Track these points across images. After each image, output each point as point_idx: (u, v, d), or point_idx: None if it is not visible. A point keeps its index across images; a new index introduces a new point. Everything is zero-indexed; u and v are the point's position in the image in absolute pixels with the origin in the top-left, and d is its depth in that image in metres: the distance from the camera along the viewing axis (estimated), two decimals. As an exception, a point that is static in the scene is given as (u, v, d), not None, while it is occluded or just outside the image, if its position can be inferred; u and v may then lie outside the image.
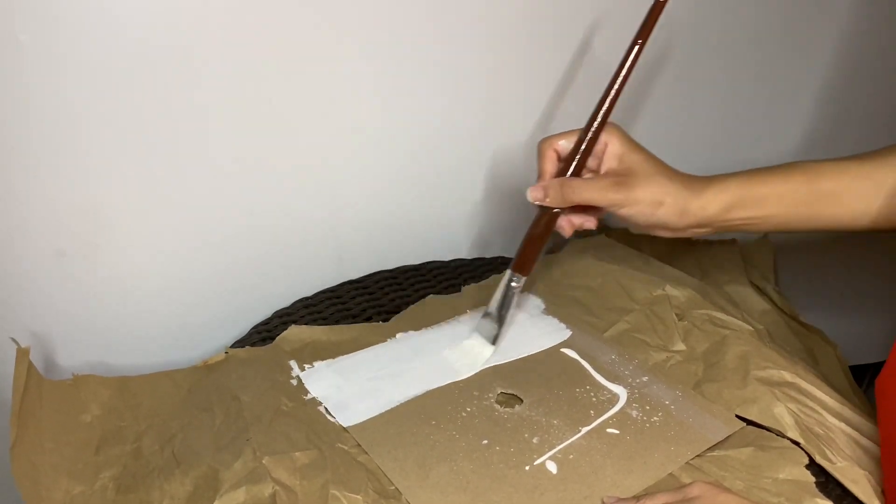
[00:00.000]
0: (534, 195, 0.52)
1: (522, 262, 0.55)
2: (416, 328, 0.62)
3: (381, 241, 0.72)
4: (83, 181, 0.56)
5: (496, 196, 0.76)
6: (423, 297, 0.67)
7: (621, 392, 0.54)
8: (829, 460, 0.47)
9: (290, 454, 0.47)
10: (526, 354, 0.59)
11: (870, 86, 0.84)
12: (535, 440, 0.49)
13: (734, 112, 0.84)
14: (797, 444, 0.49)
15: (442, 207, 0.74)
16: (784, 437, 0.49)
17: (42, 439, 0.48)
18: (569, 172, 0.53)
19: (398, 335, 0.61)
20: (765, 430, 0.50)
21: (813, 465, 0.47)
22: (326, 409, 0.53)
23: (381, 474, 0.47)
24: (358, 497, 0.44)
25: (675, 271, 0.68)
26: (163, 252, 0.62)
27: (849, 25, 0.81)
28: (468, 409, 0.52)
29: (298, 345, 0.59)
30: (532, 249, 0.55)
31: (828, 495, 0.45)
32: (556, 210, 0.53)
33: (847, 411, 0.52)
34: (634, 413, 0.52)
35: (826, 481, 0.47)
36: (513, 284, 0.56)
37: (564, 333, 0.61)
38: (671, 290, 0.64)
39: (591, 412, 0.52)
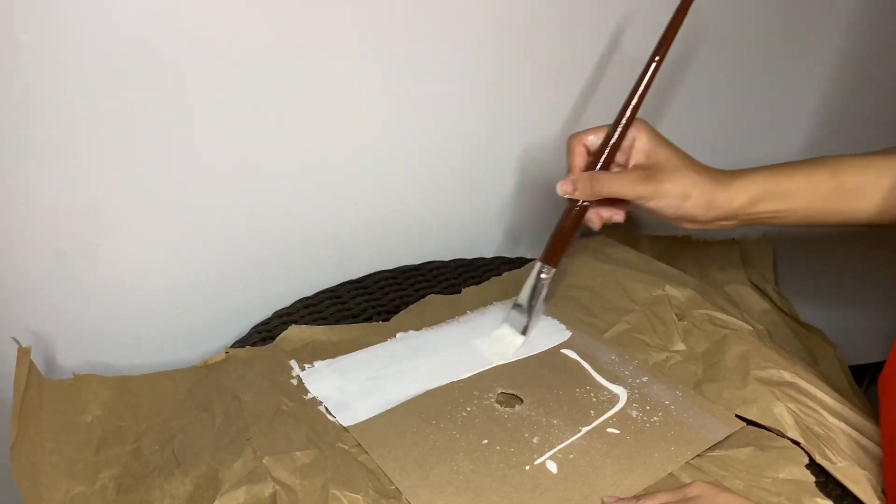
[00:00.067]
0: (563, 188, 0.54)
1: (551, 254, 0.57)
2: (417, 328, 0.62)
3: (382, 240, 0.72)
4: (83, 181, 0.56)
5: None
6: (423, 297, 0.67)
7: (621, 392, 0.54)
8: (829, 460, 0.47)
9: (291, 454, 0.47)
10: (526, 355, 0.59)
11: (873, 84, 0.84)
12: (535, 440, 0.49)
13: (736, 112, 0.84)
14: (797, 443, 0.49)
15: (444, 208, 0.74)
16: (784, 436, 0.49)
17: (42, 439, 0.48)
18: (598, 167, 0.54)
19: (398, 335, 0.61)
20: (765, 430, 0.50)
21: (813, 465, 0.47)
22: (327, 408, 0.53)
23: (382, 474, 0.47)
24: (358, 497, 0.44)
25: (675, 271, 0.69)
26: (163, 252, 0.62)
27: (852, 23, 0.80)
28: (468, 409, 0.52)
29: (298, 345, 0.59)
30: (561, 241, 0.56)
31: (828, 495, 0.45)
32: (585, 203, 0.54)
33: (847, 411, 0.52)
34: (634, 413, 0.52)
35: (826, 481, 0.47)
36: (542, 276, 0.58)
37: (564, 335, 0.61)
38: (671, 290, 0.64)
39: (592, 412, 0.52)
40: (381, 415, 0.52)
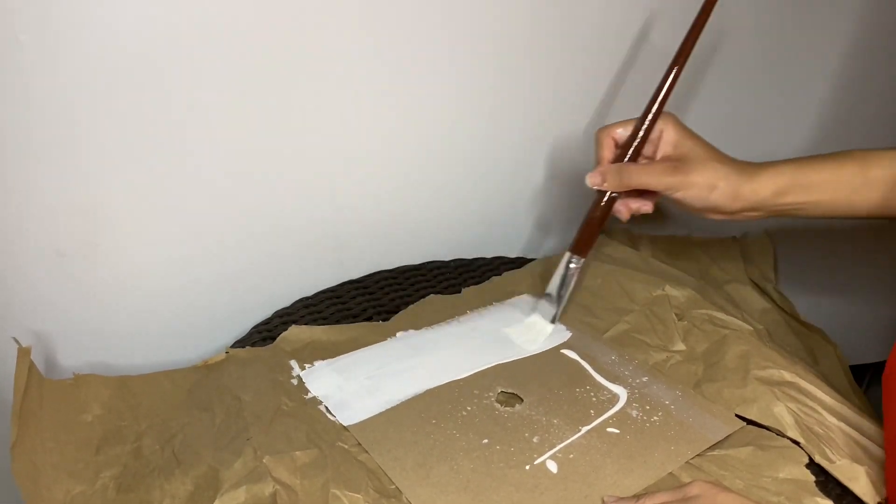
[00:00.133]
0: (592, 180, 0.55)
1: (581, 244, 0.58)
2: (417, 327, 0.62)
3: (382, 240, 0.72)
4: (83, 181, 0.56)
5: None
6: (424, 297, 0.67)
7: (621, 392, 0.54)
8: (829, 459, 0.47)
9: (291, 453, 0.47)
10: (526, 355, 0.59)
11: (883, 80, 0.84)
12: (535, 439, 0.49)
13: (743, 108, 0.84)
14: (797, 443, 0.49)
15: (446, 209, 0.74)
16: (784, 436, 0.49)
17: (43, 439, 0.48)
18: (626, 159, 0.55)
19: (398, 334, 0.61)
20: (764, 430, 0.50)
21: (813, 465, 0.47)
22: (327, 408, 0.53)
23: (382, 473, 0.47)
24: (358, 496, 0.44)
25: (675, 271, 0.69)
26: (163, 252, 0.62)
27: (861, 17, 0.80)
28: (468, 408, 0.52)
29: (299, 345, 0.59)
30: (590, 232, 0.57)
31: (827, 494, 0.45)
32: (613, 195, 0.55)
33: (847, 411, 0.52)
34: (634, 413, 0.52)
35: (826, 480, 0.47)
36: (571, 266, 0.59)
37: (564, 335, 0.61)
38: (671, 290, 0.64)
39: (592, 412, 0.52)
40: (381, 414, 0.52)
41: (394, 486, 0.46)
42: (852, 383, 0.65)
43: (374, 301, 0.67)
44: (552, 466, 0.47)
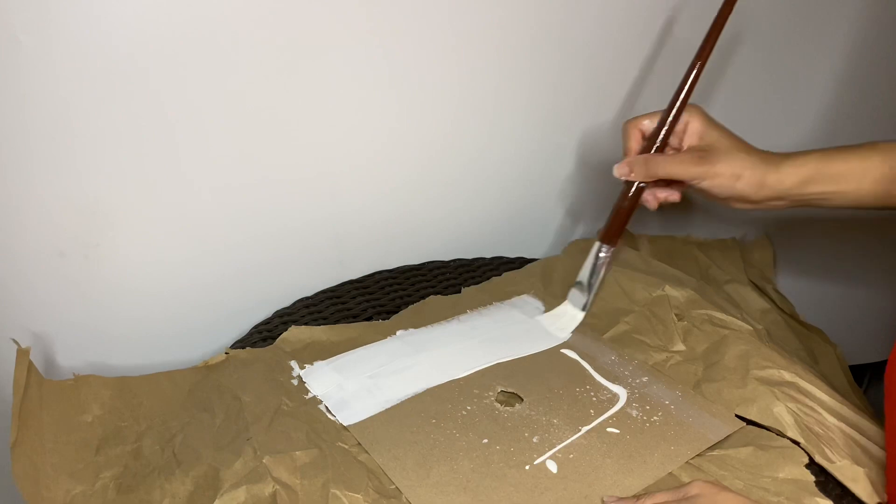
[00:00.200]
0: (619, 171, 0.57)
1: (610, 233, 0.59)
2: (417, 326, 0.62)
3: (382, 240, 0.72)
4: (83, 182, 0.56)
5: (552, 187, 0.79)
6: (424, 297, 0.67)
7: (621, 392, 0.54)
8: (829, 459, 0.47)
9: (291, 453, 0.47)
10: (525, 354, 0.59)
11: (887, 75, 0.84)
12: (535, 439, 0.49)
13: (745, 104, 0.84)
14: (797, 443, 0.49)
15: (446, 209, 0.74)
16: (784, 436, 0.49)
17: (43, 439, 0.48)
18: (653, 150, 0.56)
19: (398, 332, 0.61)
20: (764, 430, 0.50)
21: (813, 465, 0.47)
22: (327, 407, 0.53)
23: (382, 473, 0.47)
24: (358, 496, 0.44)
25: (675, 271, 0.69)
26: (163, 252, 0.62)
27: (863, 11, 0.80)
28: (468, 408, 0.52)
29: (299, 345, 0.59)
30: (619, 222, 0.59)
31: (827, 494, 0.45)
32: (641, 185, 0.57)
33: (847, 411, 0.52)
34: (634, 412, 0.52)
35: (826, 480, 0.47)
36: (601, 255, 0.60)
37: (564, 335, 0.61)
38: (671, 291, 0.64)
39: (591, 411, 0.52)
40: (381, 413, 0.52)
41: (394, 487, 0.46)
42: (852, 383, 0.65)
43: (374, 301, 0.67)
44: (552, 466, 0.47)
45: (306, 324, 0.62)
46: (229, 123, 0.59)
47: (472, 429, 0.50)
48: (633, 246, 0.76)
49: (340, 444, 0.49)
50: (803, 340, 0.67)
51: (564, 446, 0.49)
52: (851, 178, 0.52)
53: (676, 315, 0.62)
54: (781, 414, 0.50)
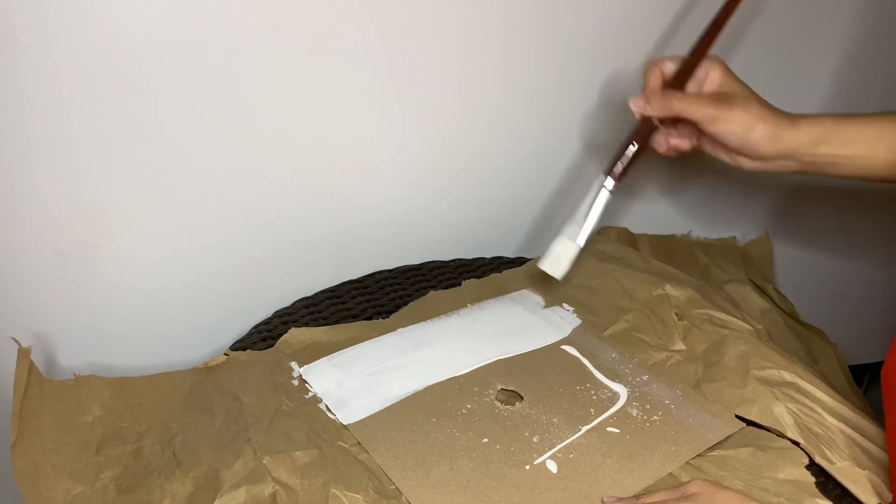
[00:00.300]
0: (636, 104, 0.56)
1: (615, 168, 0.58)
2: (416, 322, 0.62)
3: (382, 240, 0.72)
4: (83, 181, 0.56)
5: (553, 187, 0.78)
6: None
7: (621, 390, 0.54)
8: (829, 460, 0.47)
9: (291, 453, 0.47)
10: (525, 350, 0.59)
11: (886, 72, 0.84)
12: (535, 439, 0.49)
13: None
14: (797, 444, 0.49)
15: (446, 209, 0.74)
16: (784, 437, 0.49)
17: (43, 439, 0.48)
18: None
19: (398, 329, 0.61)
20: (764, 430, 0.50)
21: (813, 466, 0.47)
22: (327, 406, 0.53)
23: (382, 473, 0.47)
24: (358, 496, 0.44)
25: (675, 271, 0.69)
26: (163, 252, 0.62)
27: (863, 6, 0.80)
28: (468, 406, 0.52)
29: (299, 347, 0.59)
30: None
31: (827, 495, 0.45)
32: (654, 125, 0.56)
33: (847, 411, 0.52)
34: (635, 412, 0.52)
35: (826, 481, 0.47)
36: (604, 188, 0.58)
37: (565, 330, 0.61)
38: (671, 290, 0.64)
39: (592, 410, 0.52)
40: (381, 412, 0.52)
41: (394, 486, 0.46)
42: (852, 383, 0.65)
43: (374, 301, 0.67)
44: (552, 466, 0.47)
45: (306, 324, 0.62)
46: (229, 124, 0.59)
47: (472, 428, 0.50)
48: (633, 245, 0.76)
49: (340, 443, 0.49)
50: (803, 340, 0.67)
51: (564, 446, 0.49)
52: (864, 142, 0.52)
53: (676, 314, 0.62)
54: (781, 414, 0.50)
